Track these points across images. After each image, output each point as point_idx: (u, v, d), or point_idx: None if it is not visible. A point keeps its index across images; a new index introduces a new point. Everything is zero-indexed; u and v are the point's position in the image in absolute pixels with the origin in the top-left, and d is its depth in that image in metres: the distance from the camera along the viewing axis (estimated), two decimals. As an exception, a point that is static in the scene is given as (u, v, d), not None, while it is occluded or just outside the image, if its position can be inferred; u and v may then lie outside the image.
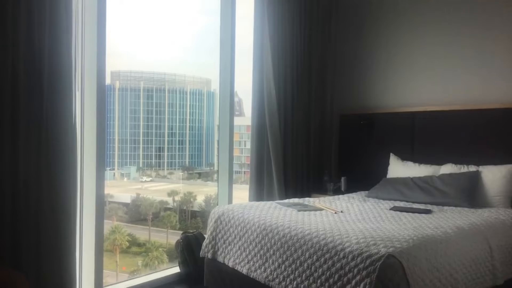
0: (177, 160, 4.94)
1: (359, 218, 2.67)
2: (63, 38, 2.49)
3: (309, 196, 3.81)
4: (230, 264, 2.76)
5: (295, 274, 2.28)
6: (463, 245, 2.29)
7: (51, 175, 2.47)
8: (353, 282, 1.97)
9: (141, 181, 4.84)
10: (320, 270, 2.14)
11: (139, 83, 4.75)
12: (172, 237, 4.41)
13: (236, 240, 2.74)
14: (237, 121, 3.89)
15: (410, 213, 2.83)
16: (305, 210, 2.88)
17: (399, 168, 3.72)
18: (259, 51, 3.79)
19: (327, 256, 2.13)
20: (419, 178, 3.40)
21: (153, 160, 4.87)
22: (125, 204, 4.67)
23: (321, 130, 4.32)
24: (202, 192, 4.96)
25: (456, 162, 3.42)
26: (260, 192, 3.83)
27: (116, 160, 4.65)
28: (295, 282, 2.27)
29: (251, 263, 2.59)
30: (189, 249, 3.33)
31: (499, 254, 2.49)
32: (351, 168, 4.21)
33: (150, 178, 4.89)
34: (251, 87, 3.81)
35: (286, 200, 3.31)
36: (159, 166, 4.95)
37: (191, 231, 3.52)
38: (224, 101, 3.80)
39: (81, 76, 2.79)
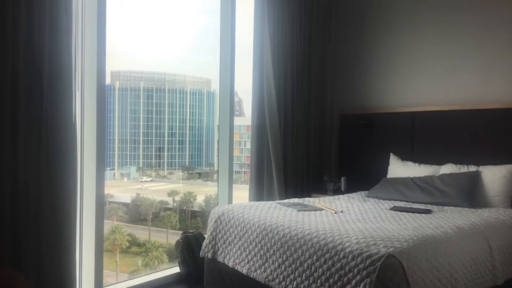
0: (177, 160, 4.94)
1: (359, 218, 2.67)
2: (63, 38, 2.49)
3: (309, 196, 3.81)
4: (230, 264, 2.76)
5: (295, 274, 2.28)
6: (463, 245, 2.29)
7: (51, 175, 2.47)
8: (353, 282, 1.97)
9: (141, 181, 4.84)
10: (320, 270, 2.14)
11: (139, 83, 4.75)
12: (172, 237, 4.41)
13: (236, 240, 2.74)
14: (237, 121, 3.89)
15: (410, 213, 2.83)
16: (305, 210, 2.88)
17: (399, 168, 3.72)
18: (259, 51, 3.79)
19: (327, 256, 2.13)
20: (419, 178, 3.40)
21: (153, 160, 4.87)
22: (125, 204, 4.67)
23: (321, 130, 4.32)
24: (202, 192, 4.96)
25: (456, 162, 3.42)
26: (260, 192, 3.83)
27: (116, 160, 4.65)
28: (295, 282, 2.27)
29: (251, 263, 2.59)
30: (189, 249, 3.33)
31: (499, 254, 2.49)
32: (351, 168, 4.21)
33: (150, 178, 4.89)
34: (251, 87, 3.81)
35: (286, 200, 3.31)
36: (159, 166, 4.95)
37: (191, 231, 3.52)
38: (224, 101, 3.80)
39: (81, 76, 2.79)
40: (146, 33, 4.57)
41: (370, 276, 1.90)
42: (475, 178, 3.20)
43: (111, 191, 4.51)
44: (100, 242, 2.87)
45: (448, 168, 3.40)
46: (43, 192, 2.44)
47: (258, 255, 2.54)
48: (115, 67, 4.58)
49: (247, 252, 2.63)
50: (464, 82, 3.64)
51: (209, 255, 2.95)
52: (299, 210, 2.87)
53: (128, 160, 4.70)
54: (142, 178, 4.85)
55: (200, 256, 3.06)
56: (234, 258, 2.74)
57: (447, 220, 2.61)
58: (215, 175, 4.23)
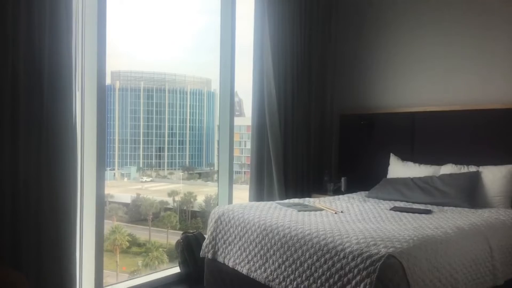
0: (177, 160, 4.94)
1: (359, 218, 2.67)
2: (63, 38, 2.49)
3: (309, 196, 3.81)
4: (230, 264, 2.76)
5: (295, 274, 2.28)
6: (463, 245, 2.29)
7: (51, 175, 2.47)
8: (353, 282, 1.97)
9: (141, 181, 4.83)
10: (320, 270, 2.14)
11: (139, 83, 4.75)
12: (172, 237, 4.41)
13: (236, 240, 2.74)
14: (237, 121, 3.89)
15: (410, 213, 2.83)
16: (305, 210, 2.88)
17: (399, 168, 3.72)
18: (259, 50, 3.79)
19: (327, 256, 2.13)
20: (419, 178, 3.40)
21: (153, 160, 4.87)
22: (125, 204, 4.67)
23: (321, 130, 4.32)
24: (202, 192, 4.96)
25: (456, 162, 3.41)
26: (260, 192, 3.83)
27: (116, 160, 4.65)
28: (295, 283, 2.27)
29: (251, 263, 2.59)
30: (189, 249, 3.33)
31: (499, 254, 2.49)
32: (351, 168, 4.21)
33: (150, 178, 4.89)
34: (251, 87, 3.81)
35: (286, 200, 3.31)
36: (159, 166, 4.95)
37: (191, 231, 3.52)
38: (224, 101, 3.80)
39: (81, 76, 2.79)
40: (146, 33, 4.57)
41: (370, 276, 1.90)
42: (475, 179, 3.20)
43: (111, 191, 4.51)
44: (100, 242, 2.87)
45: (448, 169, 3.40)
46: (43, 192, 2.44)
47: (258, 255, 2.54)
48: (115, 67, 4.59)
49: (247, 252, 2.63)
50: (464, 82, 3.64)
51: (209, 255, 2.95)
52: (299, 210, 2.87)
53: (128, 160, 4.70)
54: (142, 178, 4.84)
55: (200, 256, 3.06)
56: (234, 258, 2.74)
57: (447, 220, 2.61)
58: (215, 175, 4.23)
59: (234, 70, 3.77)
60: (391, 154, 3.88)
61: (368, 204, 3.17)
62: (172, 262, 3.84)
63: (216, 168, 4.32)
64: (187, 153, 4.97)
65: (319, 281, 2.14)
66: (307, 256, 2.23)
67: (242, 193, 4.00)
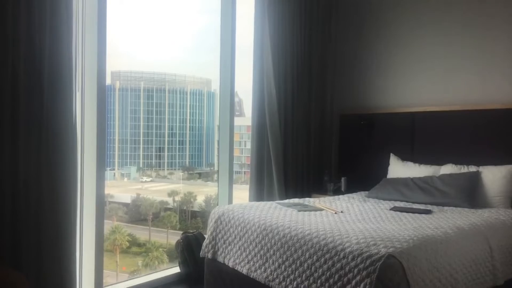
0: (177, 160, 4.94)
1: (359, 218, 2.67)
2: (64, 38, 2.49)
3: (309, 196, 3.81)
4: (230, 264, 2.76)
5: (295, 274, 2.28)
6: (463, 245, 2.29)
7: (51, 175, 2.47)
8: (353, 282, 1.97)
9: (141, 181, 4.83)
10: (320, 270, 2.14)
11: (139, 83, 4.75)
12: (172, 237, 4.41)
13: (236, 240, 2.74)
14: (237, 121, 3.89)
15: (410, 213, 2.83)
16: (305, 210, 2.88)
17: (399, 169, 3.72)
18: (260, 50, 3.79)
19: (327, 256, 2.13)
20: (419, 178, 3.40)
21: (153, 160, 4.87)
22: (125, 204, 4.66)
23: (321, 130, 4.32)
24: (202, 192, 4.96)
25: (456, 162, 3.42)
26: (260, 192, 3.83)
27: (116, 160, 4.65)
28: (295, 282, 2.27)
29: (251, 263, 2.59)
30: (189, 249, 3.33)
31: (499, 254, 2.49)
32: (351, 168, 4.21)
33: (150, 178, 4.89)
34: (251, 87, 3.81)
35: (286, 200, 3.31)
36: (159, 166, 4.95)
37: (191, 231, 3.52)
38: (224, 101, 3.80)
39: (81, 76, 2.79)
40: (146, 33, 4.57)
41: (370, 276, 1.90)
42: (475, 179, 3.20)
43: (111, 191, 4.51)
44: (100, 242, 2.87)
45: (448, 169, 3.40)
46: (43, 192, 2.44)
47: (258, 255, 2.54)
48: (115, 67, 4.59)
49: (247, 252, 2.63)
50: (464, 82, 3.64)
51: (209, 255, 2.95)
52: (299, 210, 2.87)
53: (128, 160, 4.70)
54: (142, 178, 4.84)
55: (200, 256, 3.06)
56: (234, 258, 2.74)
57: (447, 220, 2.61)
58: (215, 175, 4.23)
59: (234, 70, 3.77)
60: (391, 154, 3.88)
61: (368, 204, 3.17)
62: (172, 262, 3.84)
63: (216, 168, 4.32)
64: (187, 153, 4.97)
65: (319, 281, 2.14)
66: (307, 256, 2.23)
67: (242, 193, 4.00)
